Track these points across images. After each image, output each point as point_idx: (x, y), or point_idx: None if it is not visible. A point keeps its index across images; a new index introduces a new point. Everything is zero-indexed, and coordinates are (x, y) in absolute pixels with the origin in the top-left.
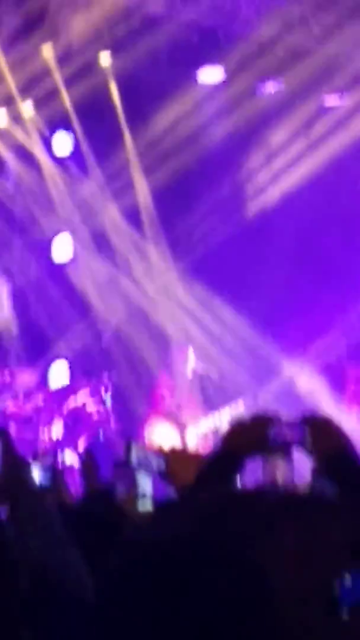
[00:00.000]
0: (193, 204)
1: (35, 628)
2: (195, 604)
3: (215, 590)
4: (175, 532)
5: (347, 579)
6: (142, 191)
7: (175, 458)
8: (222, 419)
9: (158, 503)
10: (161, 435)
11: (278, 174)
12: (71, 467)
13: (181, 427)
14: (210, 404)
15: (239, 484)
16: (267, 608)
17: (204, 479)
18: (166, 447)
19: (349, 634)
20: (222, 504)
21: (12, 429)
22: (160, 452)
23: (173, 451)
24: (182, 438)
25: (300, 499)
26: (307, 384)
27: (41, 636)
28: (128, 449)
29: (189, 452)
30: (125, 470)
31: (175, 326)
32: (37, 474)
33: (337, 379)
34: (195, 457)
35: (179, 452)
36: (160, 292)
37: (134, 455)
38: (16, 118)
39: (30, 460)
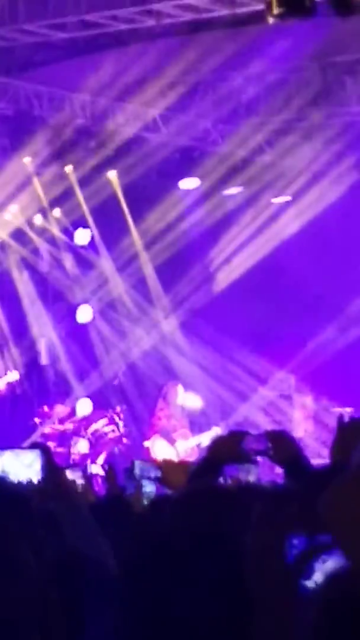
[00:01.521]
0: (183, 274)
1: (67, 590)
2: (186, 569)
3: (199, 557)
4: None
5: (294, 540)
6: (147, 266)
7: (167, 467)
8: (203, 437)
9: (155, 500)
10: (159, 448)
11: (238, 255)
12: (96, 475)
13: (172, 443)
14: (195, 426)
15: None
16: (237, 564)
17: (193, 480)
18: (161, 459)
19: (293, 577)
20: (204, 496)
21: (51, 446)
22: (157, 464)
23: (165, 462)
24: (174, 451)
25: (263, 490)
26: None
27: (71, 595)
28: (132, 466)
29: (177, 463)
30: (134, 479)
31: (167, 369)
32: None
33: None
34: (183, 465)
35: (170, 463)
36: (159, 341)
37: (137, 469)
38: (48, 219)
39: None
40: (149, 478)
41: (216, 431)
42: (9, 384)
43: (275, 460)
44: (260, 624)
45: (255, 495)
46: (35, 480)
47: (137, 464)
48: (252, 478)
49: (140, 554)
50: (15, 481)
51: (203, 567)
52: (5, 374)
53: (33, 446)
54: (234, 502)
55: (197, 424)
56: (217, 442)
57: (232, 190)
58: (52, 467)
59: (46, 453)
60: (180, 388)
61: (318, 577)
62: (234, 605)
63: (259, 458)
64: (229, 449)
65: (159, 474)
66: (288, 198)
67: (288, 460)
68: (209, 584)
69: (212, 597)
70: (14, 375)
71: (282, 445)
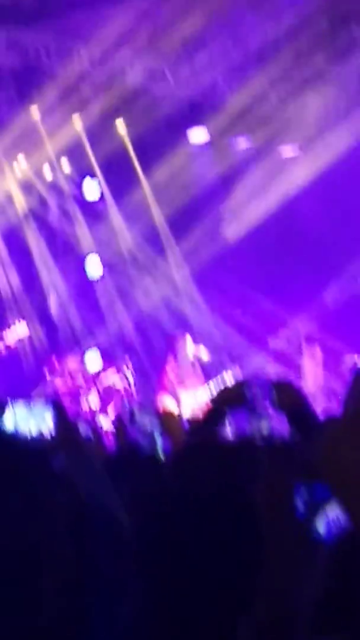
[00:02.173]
0: (194, 224)
1: (81, 543)
2: (196, 519)
3: (210, 508)
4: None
5: (302, 489)
6: (157, 217)
7: (165, 418)
8: (212, 385)
9: (165, 454)
10: (166, 404)
11: (250, 205)
12: (105, 430)
13: (177, 398)
14: (206, 377)
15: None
16: (249, 514)
17: (200, 430)
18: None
19: (302, 527)
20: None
21: (62, 399)
22: (158, 415)
23: (164, 413)
24: (179, 405)
25: (271, 442)
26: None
27: (84, 549)
28: (132, 415)
29: (175, 415)
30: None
31: (177, 319)
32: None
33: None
34: (190, 417)
35: (167, 414)
36: (171, 293)
37: (137, 418)
38: (55, 170)
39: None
40: (157, 429)
41: (225, 376)
42: (19, 340)
43: (280, 410)
44: (272, 571)
45: (259, 447)
46: (47, 434)
47: (147, 414)
48: (264, 431)
49: (150, 508)
50: (27, 435)
51: (213, 518)
52: (16, 328)
53: (44, 399)
54: (237, 453)
55: (208, 375)
56: (222, 391)
57: (242, 141)
58: (65, 422)
59: (59, 407)
60: (188, 340)
61: (324, 525)
62: (246, 552)
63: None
64: (233, 397)
65: (168, 425)
66: (296, 149)
67: (292, 410)
68: (220, 534)
69: (224, 546)
70: (23, 331)
71: (287, 395)
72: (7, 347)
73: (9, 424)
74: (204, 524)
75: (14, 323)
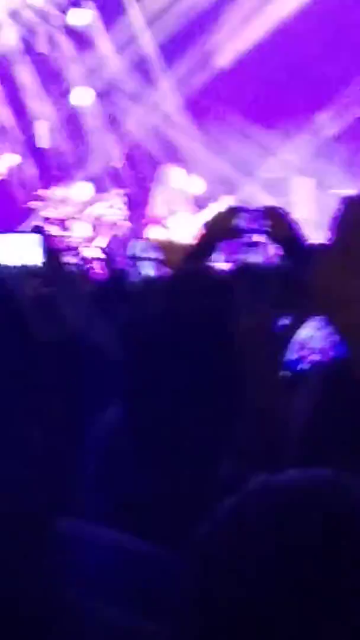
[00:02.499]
0: (184, 52)
1: (66, 375)
2: (182, 347)
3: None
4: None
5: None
6: (148, 44)
7: (166, 248)
8: (202, 215)
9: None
10: (154, 234)
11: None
12: (92, 259)
13: (166, 228)
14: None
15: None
16: (228, 339)
17: (189, 260)
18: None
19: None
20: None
21: (53, 230)
22: (157, 244)
23: (164, 242)
24: (170, 234)
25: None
26: None
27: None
28: (131, 246)
29: (176, 243)
30: (133, 261)
31: (168, 149)
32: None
33: None
34: (182, 245)
35: (168, 243)
36: (161, 122)
37: (137, 249)
38: None
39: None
40: (147, 259)
41: (216, 205)
42: (10, 168)
43: (272, 238)
44: (250, 395)
45: (247, 275)
46: (34, 264)
47: (137, 244)
48: (253, 259)
49: (138, 336)
50: (11, 265)
51: (198, 344)
52: (6, 157)
53: (33, 230)
54: (226, 282)
55: (201, 205)
56: (212, 219)
57: None
58: (51, 252)
59: (45, 237)
60: (175, 170)
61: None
62: (225, 377)
63: (257, 237)
64: (225, 226)
65: (159, 254)
66: None
67: (285, 239)
68: (203, 361)
69: (206, 374)
70: (15, 159)
71: (279, 223)
72: None
73: None
74: (189, 350)
75: (2, 153)
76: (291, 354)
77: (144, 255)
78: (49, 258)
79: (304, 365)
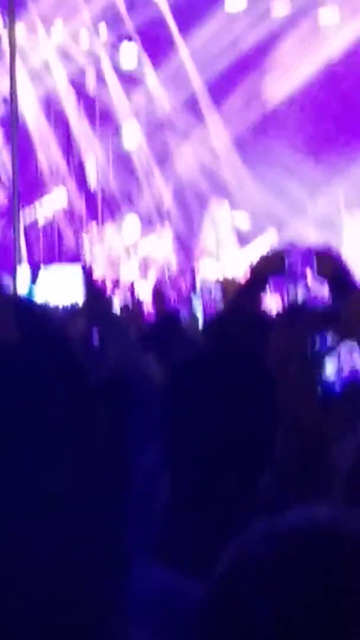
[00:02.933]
0: (233, 90)
1: (110, 409)
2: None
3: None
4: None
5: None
6: (196, 82)
7: (227, 285)
8: (251, 249)
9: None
10: (207, 268)
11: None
12: (144, 300)
13: (218, 261)
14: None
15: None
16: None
17: (238, 297)
18: (217, 278)
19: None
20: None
21: (100, 268)
22: (218, 283)
23: (225, 280)
24: (222, 268)
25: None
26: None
27: (114, 414)
28: (194, 281)
29: (237, 280)
30: (188, 299)
31: (216, 186)
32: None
33: None
34: (236, 283)
35: (230, 281)
36: (210, 159)
37: (198, 286)
38: (92, 36)
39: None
40: (209, 296)
41: (265, 240)
42: (58, 209)
43: (322, 277)
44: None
45: (295, 312)
46: (75, 298)
47: (200, 281)
48: (303, 297)
49: (183, 373)
50: (54, 302)
51: (235, 383)
52: (55, 195)
53: (74, 261)
54: (270, 322)
55: (247, 241)
56: (262, 258)
57: (279, 7)
58: (93, 285)
59: (86, 269)
60: (224, 205)
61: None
62: (262, 415)
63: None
64: (274, 264)
65: (220, 292)
66: (336, 12)
67: (333, 278)
68: (240, 398)
69: (242, 409)
70: (62, 198)
71: (328, 262)
72: (45, 217)
73: (41, 290)
74: (231, 388)
75: (52, 191)
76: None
77: (203, 292)
78: (90, 292)
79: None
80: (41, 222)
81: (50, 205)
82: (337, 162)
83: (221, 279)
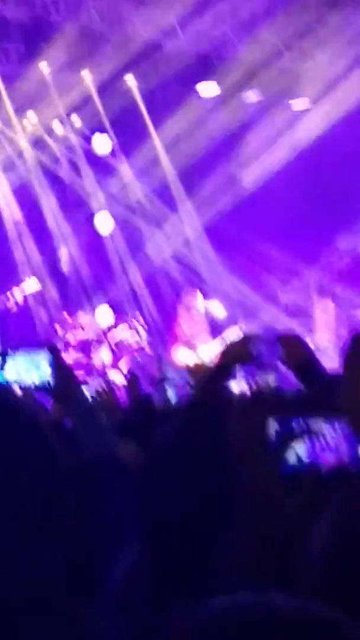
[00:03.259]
0: (205, 178)
1: (83, 493)
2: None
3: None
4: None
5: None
6: (169, 171)
7: (198, 371)
8: (224, 338)
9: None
10: (182, 356)
11: (262, 159)
12: (117, 384)
13: (194, 349)
14: (216, 332)
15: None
16: (228, 451)
17: (207, 384)
18: (189, 364)
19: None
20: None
21: (72, 354)
22: (188, 369)
23: (196, 367)
24: (197, 357)
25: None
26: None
27: (87, 498)
28: (163, 372)
29: (205, 366)
30: (160, 384)
31: (189, 274)
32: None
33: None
34: (207, 369)
35: (200, 366)
36: (182, 246)
37: (168, 371)
38: (65, 125)
39: (86, 379)
40: (179, 381)
41: (235, 330)
42: (30, 295)
43: (287, 365)
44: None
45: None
46: (45, 381)
47: (168, 368)
48: (271, 384)
49: (156, 459)
50: (29, 385)
51: (201, 472)
52: (27, 284)
53: (42, 346)
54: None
55: (220, 329)
56: (228, 346)
57: (251, 95)
58: (61, 367)
59: (54, 352)
60: (198, 294)
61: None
62: (224, 495)
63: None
64: (240, 352)
65: (190, 379)
66: (307, 102)
67: (300, 365)
68: (206, 487)
69: (211, 495)
70: (34, 286)
71: (295, 350)
72: (17, 304)
73: (10, 375)
74: (198, 475)
75: (25, 279)
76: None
77: (173, 377)
78: (58, 375)
79: (292, 464)
80: (13, 309)
81: (22, 293)
82: (309, 248)
83: (192, 365)
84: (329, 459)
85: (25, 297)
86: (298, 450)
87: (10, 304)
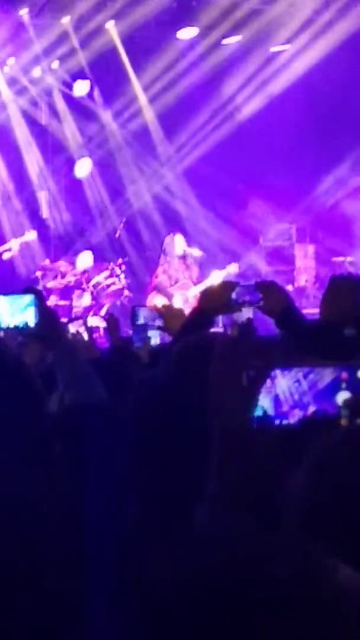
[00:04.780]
0: (184, 123)
1: (66, 442)
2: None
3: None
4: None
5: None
6: (148, 115)
7: (167, 314)
8: (204, 285)
9: (156, 349)
10: (157, 303)
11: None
12: (97, 328)
13: (170, 298)
14: (199, 277)
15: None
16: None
17: (185, 331)
18: (161, 306)
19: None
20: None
21: (53, 300)
22: (158, 310)
23: (165, 308)
24: (171, 304)
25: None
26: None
27: (70, 448)
28: (135, 314)
29: (176, 309)
30: (140, 328)
31: (169, 218)
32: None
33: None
34: (181, 313)
35: (169, 309)
36: (162, 191)
37: (141, 317)
38: (45, 71)
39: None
40: (152, 326)
41: (216, 276)
42: (24, 244)
43: (266, 312)
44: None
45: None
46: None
47: (141, 311)
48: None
49: (140, 405)
50: (9, 325)
51: (190, 414)
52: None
53: (26, 291)
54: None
55: (202, 274)
56: (207, 293)
57: (231, 39)
58: (46, 311)
59: (39, 297)
60: (178, 238)
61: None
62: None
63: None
64: (220, 300)
65: (160, 321)
66: (287, 47)
67: (278, 312)
68: (191, 430)
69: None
70: (30, 235)
71: (273, 297)
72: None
73: None
74: (178, 421)
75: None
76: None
77: (148, 321)
78: (43, 318)
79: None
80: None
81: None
82: (290, 193)
83: (172, 309)
84: (305, 407)
85: (17, 250)
86: (270, 399)
87: (6, 253)
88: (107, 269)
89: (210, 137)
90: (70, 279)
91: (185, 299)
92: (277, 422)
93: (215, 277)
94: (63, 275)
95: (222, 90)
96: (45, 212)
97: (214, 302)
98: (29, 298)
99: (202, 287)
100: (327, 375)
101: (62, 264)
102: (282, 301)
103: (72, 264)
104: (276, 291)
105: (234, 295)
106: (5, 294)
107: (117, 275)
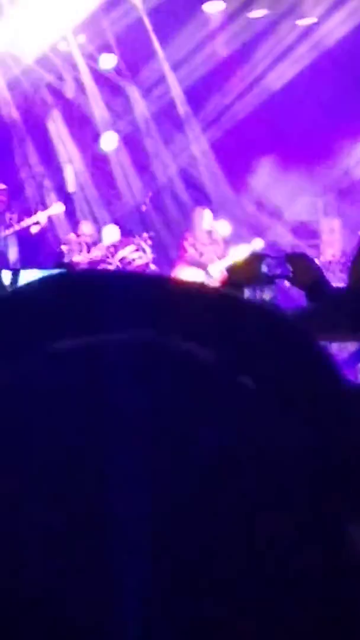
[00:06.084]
0: (211, 96)
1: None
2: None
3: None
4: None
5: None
6: (175, 89)
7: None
8: (232, 257)
9: None
10: (186, 277)
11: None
12: None
13: (203, 268)
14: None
15: None
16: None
17: None
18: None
19: None
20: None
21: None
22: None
23: (203, 286)
24: (205, 276)
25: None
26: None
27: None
28: None
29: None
30: None
31: (196, 192)
32: None
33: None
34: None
35: (207, 287)
36: (189, 165)
37: None
38: (70, 44)
39: None
40: None
41: (243, 249)
42: (51, 217)
43: (295, 284)
44: None
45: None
46: None
47: None
48: (267, 297)
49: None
50: None
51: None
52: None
53: (57, 265)
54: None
55: (228, 248)
56: (236, 266)
57: (258, 13)
58: None
59: (68, 269)
60: (206, 213)
61: None
62: None
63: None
64: (248, 272)
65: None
66: (314, 19)
67: (308, 284)
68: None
69: None
70: (59, 207)
71: (302, 269)
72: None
73: None
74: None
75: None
76: None
77: None
78: None
79: None
80: (35, 231)
81: (46, 215)
82: (316, 168)
83: (198, 285)
84: None
85: (45, 222)
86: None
87: (35, 227)
88: (132, 243)
89: (237, 111)
90: (97, 253)
91: (216, 272)
92: None
93: (242, 251)
94: (89, 249)
95: (249, 63)
96: (70, 186)
97: (243, 274)
98: (59, 272)
99: (228, 260)
100: (350, 345)
101: (87, 229)
102: (313, 273)
103: (99, 236)
104: (306, 263)
105: (264, 268)
106: (35, 267)
107: (144, 250)
